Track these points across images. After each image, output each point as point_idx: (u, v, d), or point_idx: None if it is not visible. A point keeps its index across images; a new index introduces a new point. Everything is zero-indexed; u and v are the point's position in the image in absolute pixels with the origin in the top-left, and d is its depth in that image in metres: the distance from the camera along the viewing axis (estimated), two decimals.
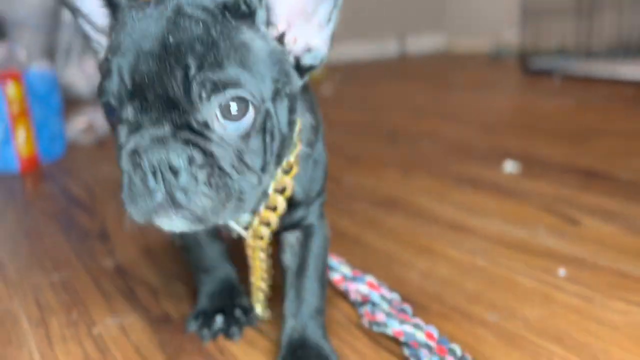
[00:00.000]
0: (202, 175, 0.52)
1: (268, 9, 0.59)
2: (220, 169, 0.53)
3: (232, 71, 0.53)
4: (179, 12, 0.55)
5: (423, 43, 4.92)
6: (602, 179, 1.32)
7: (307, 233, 0.75)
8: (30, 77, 1.71)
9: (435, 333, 0.71)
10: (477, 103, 2.46)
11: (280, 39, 0.60)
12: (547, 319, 0.77)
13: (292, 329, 0.72)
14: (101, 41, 0.67)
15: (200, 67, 0.52)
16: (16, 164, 1.67)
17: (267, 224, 0.71)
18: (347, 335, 0.77)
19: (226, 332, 0.77)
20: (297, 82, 0.62)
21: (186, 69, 0.52)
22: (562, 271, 0.90)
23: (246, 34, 0.56)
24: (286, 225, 0.73)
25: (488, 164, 1.49)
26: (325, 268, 0.77)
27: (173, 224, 0.55)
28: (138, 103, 0.53)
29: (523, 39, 3.22)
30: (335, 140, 1.87)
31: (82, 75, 3.06)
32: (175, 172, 0.52)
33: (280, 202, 0.68)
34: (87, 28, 0.67)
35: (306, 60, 0.61)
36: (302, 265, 0.74)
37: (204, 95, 0.52)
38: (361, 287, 0.84)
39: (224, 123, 0.54)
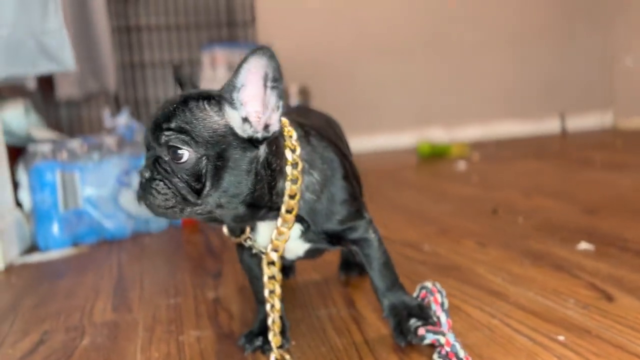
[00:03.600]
0: (154, 184, 0.89)
1: (234, 102, 0.90)
2: (170, 182, 0.88)
3: (175, 126, 0.88)
4: (167, 101, 0.93)
5: (586, 121, 4.79)
6: None
7: (359, 245, 1.06)
8: None
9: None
10: (601, 183, 2.42)
11: (246, 119, 0.90)
12: None
13: (390, 301, 1.05)
14: None
15: (162, 126, 0.88)
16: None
17: (276, 250, 0.99)
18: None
19: (262, 349, 1.04)
20: (249, 151, 0.90)
21: (155, 126, 0.89)
22: (561, 337, 1.00)
23: (204, 113, 0.90)
24: (334, 244, 1.05)
25: (565, 243, 1.56)
26: (387, 257, 1.07)
27: (144, 208, 0.92)
28: (146, 144, 0.94)
29: None
30: (434, 214, 2.06)
31: None
32: (148, 180, 0.90)
33: (290, 219, 0.97)
34: None
35: (263, 134, 0.91)
36: (370, 264, 1.06)
37: (160, 141, 0.88)
38: None
39: (172, 161, 0.89)
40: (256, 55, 0.86)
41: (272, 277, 1.02)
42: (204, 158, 0.87)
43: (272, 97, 0.89)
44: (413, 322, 1.02)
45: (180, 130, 0.87)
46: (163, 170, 0.89)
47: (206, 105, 0.90)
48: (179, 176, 0.88)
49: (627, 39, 4.58)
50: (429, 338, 0.97)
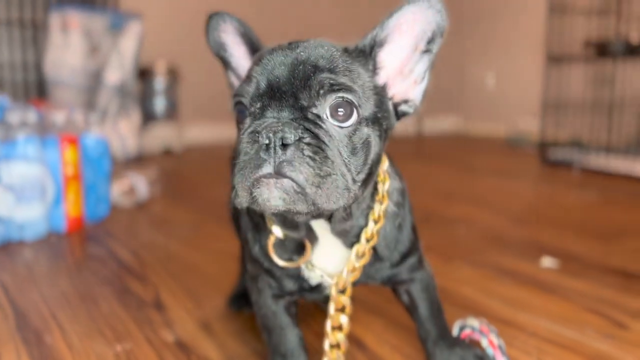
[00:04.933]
0: (307, 151, 0.61)
1: (375, 62, 0.71)
2: (323, 152, 0.62)
3: (344, 80, 0.65)
4: (309, 43, 0.68)
5: (439, 124, 5.06)
6: (636, 280, 1.36)
7: (412, 282, 0.86)
8: (85, 141, 1.79)
9: None
10: (503, 190, 2.52)
11: (383, 87, 0.71)
12: None
13: (442, 352, 0.88)
14: None
15: (320, 72, 0.63)
16: (63, 224, 1.72)
17: (342, 291, 0.77)
18: None
19: None
20: (393, 121, 0.72)
21: (309, 72, 0.63)
22: None
23: (359, 67, 0.68)
24: (385, 282, 0.83)
25: (525, 257, 1.53)
26: (438, 300, 0.89)
27: (272, 195, 0.61)
28: (266, 98, 0.64)
29: (543, 129, 3.33)
30: None
31: (116, 136, 3.16)
32: (285, 146, 0.60)
33: (367, 251, 0.76)
34: (233, 79, 0.81)
35: (403, 109, 0.73)
36: (421, 306, 0.88)
37: (321, 92, 0.63)
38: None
39: (332, 121, 0.64)
40: (418, 4, 0.67)
41: (339, 329, 0.78)
42: (363, 123, 0.66)
43: (421, 64, 0.71)
44: None
45: (348, 81, 0.64)
46: (315, 134, 0.62)
47: (356, 58, 0.68)
48: (337, 146, 0.63)
49: (477, 49, 4.93)
50: None
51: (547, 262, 1.49)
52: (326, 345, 0.79)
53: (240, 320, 1.14)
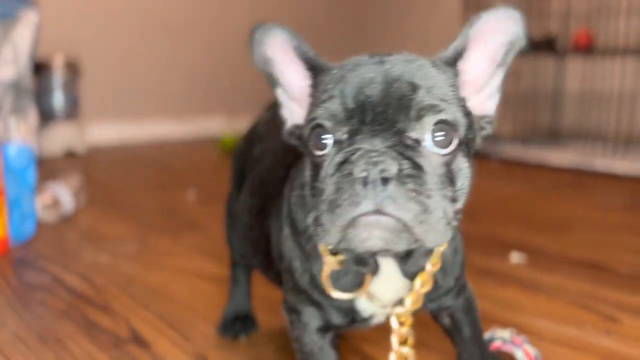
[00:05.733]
0: (411, 185, 0.54)
1: (458, 76, 0.65)
2: (427, 183, 0.55)
3: (443, 102, 0.58)
4: (397, 58, 0.61)
5: None
6: (605, 271, 1.42)
7: (458, 308, 0.81)
8: (7, 150, 1.55)
9: None
10: None
11: (465, 100, 0.65)
12: None
13: None
14: (292, 108, 0.71)
15: (418, 91, 0.57)
16: None
17: (402, 323, 0.71)
18: None
19: None
20: (479, 141, 0.66)
21: (406, 91, 0.56)
22: None
23: (448, 83, 0.62)
24: (433, 310, 0.78)
25: (493, 254, 1.55)
26: (480, 321, 0.84)
27: (371, 236, 0.54)
28: (356, 122, 0.57)
29: None
30: None
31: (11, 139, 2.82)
32: (385, 180, 0.53)
33: (430, 278, 0.70)
34: (283, 96, 0.71)
35: (482, 125, 0.67)
36: (463, 330, 0.82)
37: (421, 114, 0.56)
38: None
39: (432, 148, 0.57)
40: (498, 13, 0.62)
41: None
42: (459, 148, 0.59)
43: (496, 77, 0.66)
44: None
45: (445, 103, 0.58)
46: (415, 161, 0.55)
47: (448, 73, 0.62)
48: (437, 175, 0.57)
49: (389, 45, 5.01)
50: None
51: (516, 257, 1.51)
52: None
53: (240, 349, 1.04)
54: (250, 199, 0.90)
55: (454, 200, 0.59)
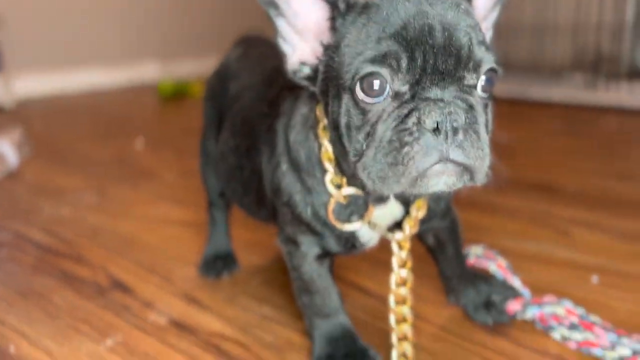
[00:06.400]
0: (473, 133, 0.57)
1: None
2: (481, 130, 0.59)
3: (488, 49, 0.60)
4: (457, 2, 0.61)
5: None
6: (554, 190, 1.53)
7: (442, 228, 0.87)
8: None
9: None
10: None
11: None
12: (624, 320, 0.89)
13: (464, 284, 0.91)
14: (295, 42, 0.68)
15: (475, 42, 0.59)
16: None
17: (413, 226, 0.75)
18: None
19: None
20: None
21: (467, 42, 0.58)
22: (594, 278, 1.04)
23: (477, 22, 0.63)
24: (422, 231, 0.84)
25: None
26: (462, 245, 0.91)
27: (439, 182, 0.57)
28: (418, 71, 0.57)
29: None
30: None
31: None
32: (455, 130, 0.55)
33: (424, 204, 0.75)
34: (284, 28, 0.67)
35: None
36: (447, 249, 0.90)
37: (477, 64, 0.59)
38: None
39: (481, 93, 0.61)
40: None
41: (403, 284, 0.76)
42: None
43: (494, 13, 0.71)
44: (497, 299, 0.91)
45: (490, 55, 0.60)
46: (475, 112, 0.58)
47: (471, 9, 0.65)
48: (482, 119, 0.60)
49: None
50: (531, 314, 0.88)
51: None
52: (391, 301, 0.77)
53: (224, 287, 1.06)
54: (233, 139, 0.90)
55: (488, 141, 0.62)
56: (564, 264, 1.11)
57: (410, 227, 0.74)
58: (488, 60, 0.59)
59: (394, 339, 0.77)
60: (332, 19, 0.65)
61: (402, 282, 0.76)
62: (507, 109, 2.71)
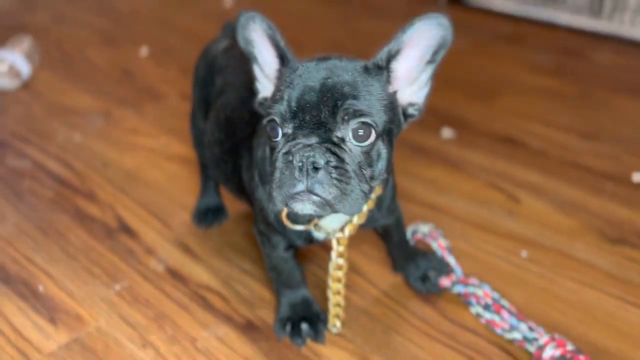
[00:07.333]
0: (335, 173, 0.74)
1: (389, 73, 0.81)
2: (347, 172, 0.75)
3: (364, 106, 0.76)
4: (334, 66, 0.78)
5: None
6: (519, 147, 1.66)
7: (389, 225, 1.06)
8: None
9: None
10: (376, 35, 2.65)
11: (394, 94, 0.82)
12: (528, 300, 1.11)
13: (405, 261, 1.11)
14: (264, 84, 0.87)
15: (345, 100, 0.75)
16: None
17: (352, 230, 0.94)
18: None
19: (313, 337, 1.00)
20: (402, 126, 0.85)
21: (336, 100, 0.74)
22: (524, 253, 1.24)
23: (376, 86, 0.79)
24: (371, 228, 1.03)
25: (428, 129, 1.74)
26: (405, 231, 1.12)
27: (304, 207, 0.76)
28: (297, 121, 0.76)
29: None
30: None
31: None
32: (316, 169, 0.74)
33: (365, 214, 0.92)
34: (258, 72, 0.87)
35: (410, 112, 0.85)
36: (393, 237, 1.10)
37: (345, 118, 0.75)
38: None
39: (354, 141, 0.76)
40: (428, 22, 0.76)
41: (339, 269, 0.97)
42: (379, 138, 0.77)
43: (425, 73, 0.82)
44: (433, 274, 1.11)
45: (367, 107, 0.75)
46: (339, 155, 0.74)
47: (375, 76, 0.78)
48: (356, 162, 0.76)
49: None
50: (457, 290, 1.09)
51: (447, 133, 1.73)
52: (330, 281, 0.98)
53: (213, 237, 1.26)
54: (218, 133, 1.04)
55: (372, 178, 0.78)
56: (504, 234, 1.29)
57: (350, 231, 0.92)
58: (357, 116, 0.74)
59: (330, 307, 1.00)
60: (279, 70, 0.83)
61: (339, 268, 0.96)
62: (509, 31, 2.72)
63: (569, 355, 0.91)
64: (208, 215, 1.28)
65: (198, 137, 1.21)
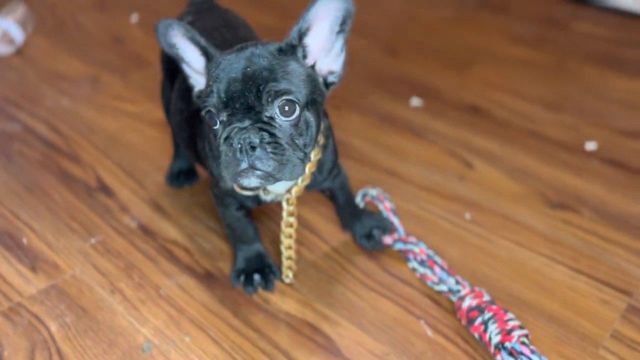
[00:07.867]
0: (270, 148, 0.85)
1: (304, 49, 0.91)
2: (281, 145, 0.86)
3: (284, 85, 0.86)
4: (252, 54, 0.87)
5: None
6: (483, 116, 1.75)
7: (334, 187, 1.18)
8: None
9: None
10: (368, 5, 2.70)
11: (313, 66, 0.93)
12: (464, 257, 1.22)
13: (352, 220, 1.23)
14: (197, 78, 0.97)
15: (266, 84, 0.85)
16: None
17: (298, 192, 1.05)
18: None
19: (264, 287, 1.12)
20: (325, 93, 0.96)
21: (258, 86, 0.85)
22: (467, 215, 1.34)
23: (292, 64, 0.89)
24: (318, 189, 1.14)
25: (397, 97, 1.83)
26: (351, 192, 1.23)
27: (251, 182, 0.88)
28: (230, 109, 0.86)
29: None
30: None
31: None
32: (253, 147, 0.84)
33: (309, 177, 1.03)
34: (188, 70, 0.97)
35: (330, 79, 0.95)
36: (339, 198, 1.21)
37: (269, 100, 0.85)
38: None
39: (281, 117, 0.87)
40: None
41: (290, 226, 1.09)
42: (304, 109, 0.87)
43: (338, 42, 0.91)
44: (377, 233, 1.22)
45: (287, 85, 0.85)
46: (271, 132, 0.84)
47: (290, 55, 0.88)
48: (287, 135, 0.86)
49: None
50: (398, 247, 1.20)
51: (415, 101, 1.82)
52: (282, 237, 1.09)
53: (184, 197, 1.38)
54: (180, 102, 1.14)
55: (305, 145, 0.89)
56: (451, 197, 1.39)
57: (295, 192, 1.03)
58: (279, 95, 0.84)
59: (283, 260, 1.12)
60: (205, 66, 0.92)
61: (289, 225, 1.08)
62: None
63: (483, 305, 1.03)
64: (180, 177, 1.40)
65: (167, 105, 1.31)
